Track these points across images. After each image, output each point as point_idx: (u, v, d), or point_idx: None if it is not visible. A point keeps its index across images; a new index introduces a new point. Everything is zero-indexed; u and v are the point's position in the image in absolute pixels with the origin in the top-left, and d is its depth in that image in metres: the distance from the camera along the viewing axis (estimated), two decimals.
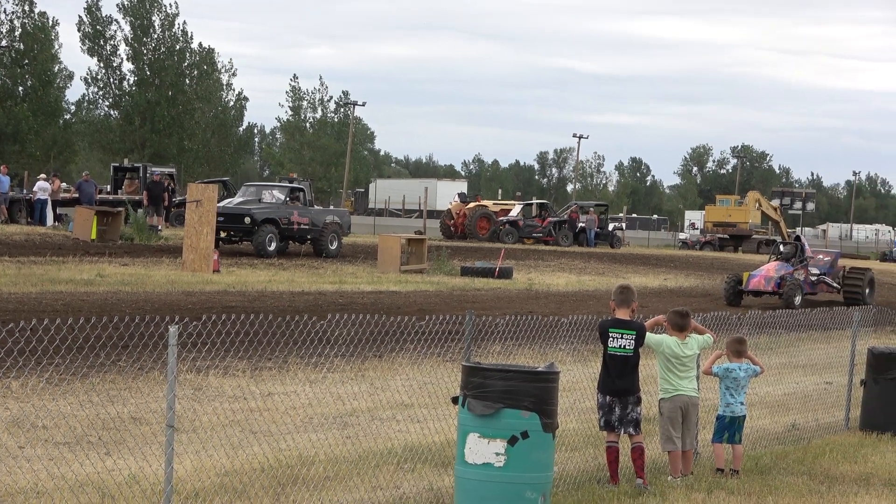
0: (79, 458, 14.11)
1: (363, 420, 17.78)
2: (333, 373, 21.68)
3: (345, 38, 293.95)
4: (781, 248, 48.01)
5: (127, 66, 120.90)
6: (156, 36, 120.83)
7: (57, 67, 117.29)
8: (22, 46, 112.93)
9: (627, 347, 14.80)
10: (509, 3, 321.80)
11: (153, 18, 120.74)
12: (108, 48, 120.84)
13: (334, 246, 55.18)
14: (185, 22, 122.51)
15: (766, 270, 45.02)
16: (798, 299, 43.23)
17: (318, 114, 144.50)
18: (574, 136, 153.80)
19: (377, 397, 19.31)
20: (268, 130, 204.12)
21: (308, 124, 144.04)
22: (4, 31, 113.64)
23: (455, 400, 13.16)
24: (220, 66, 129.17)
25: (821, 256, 47.44)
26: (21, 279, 36.07)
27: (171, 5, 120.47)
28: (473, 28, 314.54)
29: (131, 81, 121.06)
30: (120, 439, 15.34)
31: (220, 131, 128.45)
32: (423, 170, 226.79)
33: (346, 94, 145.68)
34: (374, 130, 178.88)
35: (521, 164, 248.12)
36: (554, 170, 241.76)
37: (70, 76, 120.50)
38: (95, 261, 44.71)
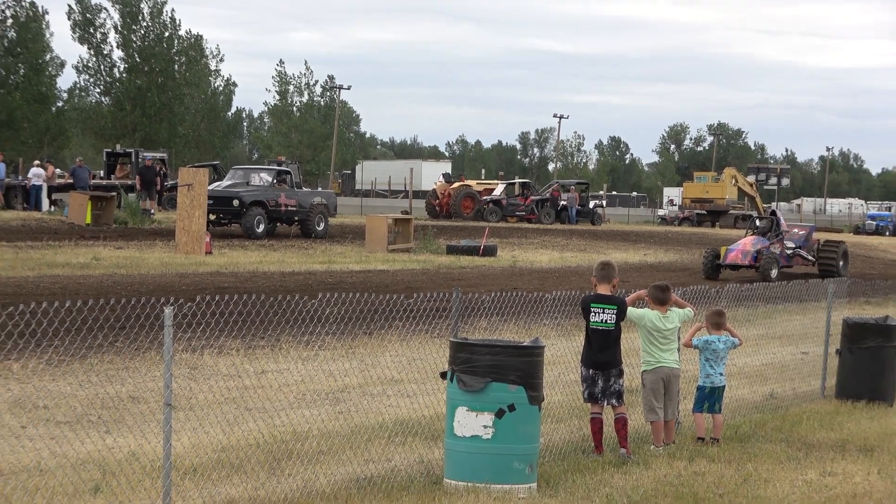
0: (79, 436, 14.17)
1: (354, 396, 17.84)
2: (325, 350, 21.74)
3: (328, 21, 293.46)
4: (758, 222, 48.07)
5: (117, 54, 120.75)
6: (144, 23, 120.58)
7: (48, 56, 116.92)
8: (14, 35, 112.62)
9: (609, 322, 14.89)
10: None
11: (142, 6, 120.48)
12: (99, 36, 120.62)
13: (321, 227, 55.30)
14: (172, 9, 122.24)
15: (743, 245, 44.86)
16: (774, 272, 43.24)
17: (305, 98, 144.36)
18: (554, 116, 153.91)
19: (368, 374, 19.37)
20: (256, 115, 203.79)
21: (295, 108, 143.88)
22: None
23: (443, 375, 13.25)
24: (207, 52, 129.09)
25: (796, 230, 47.36)
26: (19, 263, 36.08)
27: None
28: (454, 11, 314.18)
29: (122, 68, 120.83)
30: (119, 418, 15.39)
31: (209, 116, 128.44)
32: (408, 151, 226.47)
33: (331, 78, 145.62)
34: (359, 113, 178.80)
35: (504, 144, 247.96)
36: (535, 149, 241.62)
37: (62, 64, 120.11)
38: (90, 244, 44.72)
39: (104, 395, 16.73)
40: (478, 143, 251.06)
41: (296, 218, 55.05)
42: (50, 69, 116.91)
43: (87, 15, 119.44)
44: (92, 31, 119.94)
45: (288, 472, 13.15)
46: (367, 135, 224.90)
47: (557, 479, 13.40)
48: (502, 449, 12.80)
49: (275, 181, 55.06)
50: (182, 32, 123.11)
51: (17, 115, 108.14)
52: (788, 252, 45.41)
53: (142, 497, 11.78)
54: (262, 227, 52.68)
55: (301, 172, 75.86)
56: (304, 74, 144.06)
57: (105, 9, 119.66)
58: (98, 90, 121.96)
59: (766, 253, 43.95)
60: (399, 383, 18.50)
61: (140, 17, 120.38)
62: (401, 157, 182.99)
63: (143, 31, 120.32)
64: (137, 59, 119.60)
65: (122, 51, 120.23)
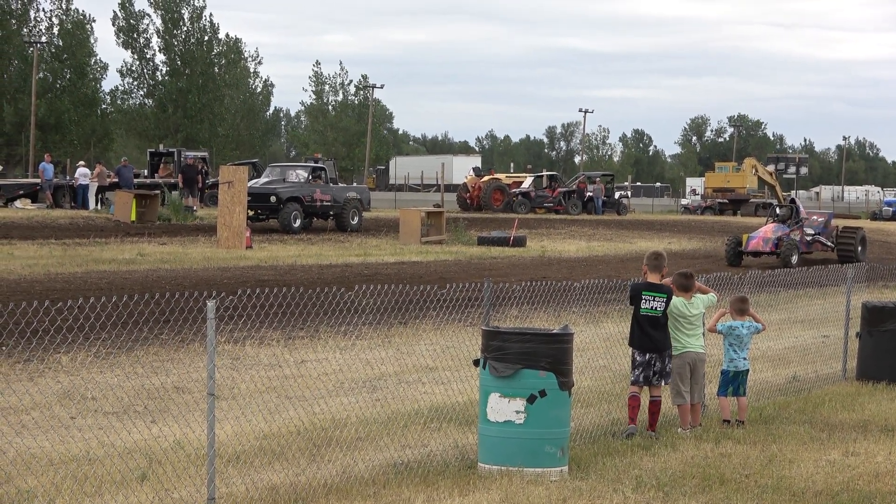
0: (126, 426, 14.17)
1: (391, 383, 17.81)
2: (362, 340, 21.72)
3: (361, 24, 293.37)
4: (778, 210, 47.70)
5: (159, 58, 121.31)
6: (185, 28, 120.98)
7: (93, 60, 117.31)
8: (60, 42, 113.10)
9: (658, 308, 15.01)
10: None
11: (182, 12, 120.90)
12: (142, 41, 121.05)
13: (355, 221, 55.41)
14: (211, 14, 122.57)
15: (764, 232, 44.60)
16: (795, 258, 42.96)
17: (340, 97, 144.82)
18: (580, 110, 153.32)
19: (403, 362, 19.34)
20: (293, 114, 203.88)
21: (330, 107, 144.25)
22: (44, 28, 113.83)
23: (476, 362, 13.19)
24: (246, 54, 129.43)
25: (815, 217, 46.87)
26: (67, 260, 36.20)
27: None
28: (482, 11, 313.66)
29: (164, 71, 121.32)
30: (164, 408, 15.39)
31: (248, 116, 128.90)
32: (440, 147, 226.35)
33: (365, 77, 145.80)
34: (392, 111, 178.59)
35: (531, 138, 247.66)
36: (562, 143, 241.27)
37: (105, 68, 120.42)
38: (136, 241, 44.86)
39: (150, 385, 16.74)
40: (506, 137, 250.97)
41: (331, 213, 55.13)
42: (95, 73, 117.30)
43: (131, 21, 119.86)
44: (135, 36, 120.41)
45: (328, 458, 13.13)
46: (400, 131, 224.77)
47: (588, 463, 13.34)
48: (534, 433, 12.74)
49: (310, 177, 55.00)
50: (221, 36, 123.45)
51: (64, 118, 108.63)
52: (808, 238, 45.03)
53: (187, 484, 11.76)
54: (298, 222, 52.83)
55: (336, 169, 75.73)
56: (339, 74, 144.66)
57: (148, 15, 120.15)
58: (141, 93, 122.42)
59: (787, 240, 43.65)
60: (434, 371, 18.47)
61: (181, 23, 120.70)
62: (432, 153, 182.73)
63: (183, 36, 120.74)
64: (179, 63, 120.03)
65: (164, 54, 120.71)
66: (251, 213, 50.92)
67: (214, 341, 11.40)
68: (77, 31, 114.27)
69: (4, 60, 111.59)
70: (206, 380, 11.35)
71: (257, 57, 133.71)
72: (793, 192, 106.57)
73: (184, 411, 14.98)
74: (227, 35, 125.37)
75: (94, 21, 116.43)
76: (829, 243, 45.79)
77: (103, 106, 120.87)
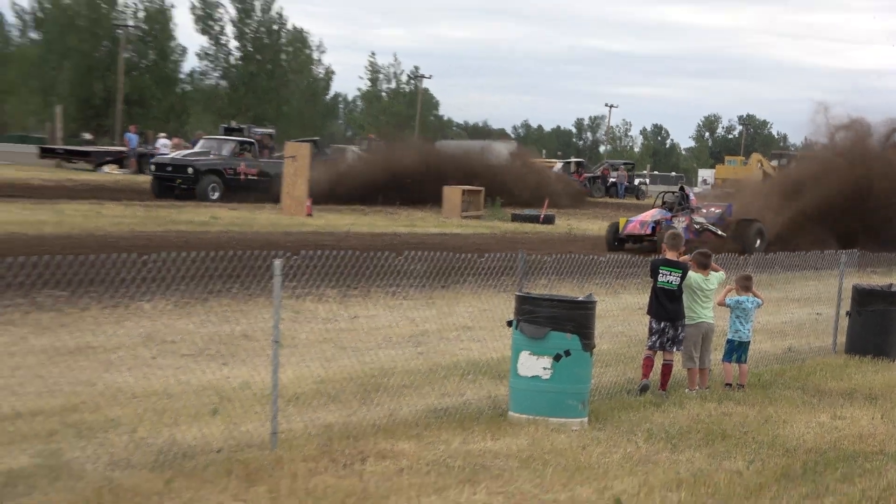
0: (200, 367, 14.32)
1: (433, 339, 17.91)
2: (408, 300, 21.80)
3: (414, 20, 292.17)
4: (665, 197, 41.53)
5: (233, 44, 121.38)
6: (257, 18, 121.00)
7: (174, 44, 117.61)
8: (145, 27, 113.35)
9: (674, 282, 15.14)
10: None
11: (254, 3, 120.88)
12: (217, 28, 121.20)
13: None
14: (281, 7, 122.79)
15: (644, 216, 39.58)
16: None
17: (393, 85, 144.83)
18: (606, 105, 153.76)
19: (444, 321, 19.42)
20: (350, 98, 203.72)
21: (384, 94, 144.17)
22: (130, 13, 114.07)
23: (509, 323, 13.31)
24: (311, 44, 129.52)
25: (712, 209, 41.35)
26: (149, 220, 36.38)
27: None
28: (521, 12, 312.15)
29: (237, 56, 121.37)
30: (233, 353, 15.51)
31: (310, 99, 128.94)
32: (480, 133, 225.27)
33: (416, 68, 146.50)
34: (438, 99, 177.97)
35: (561, 128, 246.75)
36: (588, 133, 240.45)
37: (184, 51, 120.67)
38: (209, 206, 45.04)
39: (221, 332, 16.87)
40: (539, 126, 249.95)
41: (259, 186, 50.94)
42: (174, 56, 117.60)
43: (208, 10, 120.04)
44: (211, 23, 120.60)
45: (376, 402, 13.25)
46: (445, 118, 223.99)
47: (605, 415, 13.45)
48: (559, 388, 12.86)
49: (237, 151, 51.19)
50: (289, 27, 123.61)
51: (147, 94, 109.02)
52: (696, 227, 39.05)
53: (253, 420, 11.90)
54: (217, 195, 48.48)
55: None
56: (393, 65, 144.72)
57: (223, 5, 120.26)
58: (216, 74, 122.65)
59: (665, 224, 37.40)
60: (471, 330, 18.54)
61: (252, 13, 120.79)
62: (473, 138, 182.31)
63: (255, 25, 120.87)
64: (250, 49, 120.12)
65: (238, 41, 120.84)
66: (178, 182, 48.78)
67: (280, 295, 11.53)
68: (159, 16, 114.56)
69: (96, 41, 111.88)
70: (272, 329, 11.47)
71: (320, 46, 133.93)
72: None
73: (251, 356, 15.13)
74: (294, 26, 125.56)
75: (173, 8, 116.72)
76: (720, 233, 39.70)
77: (182, 85, 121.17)
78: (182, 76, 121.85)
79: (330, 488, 9.91)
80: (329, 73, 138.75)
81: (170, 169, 47.99)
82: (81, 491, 9.39)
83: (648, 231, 38.21)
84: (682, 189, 40.91)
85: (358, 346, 16.64)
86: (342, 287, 21.93)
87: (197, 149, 51.90)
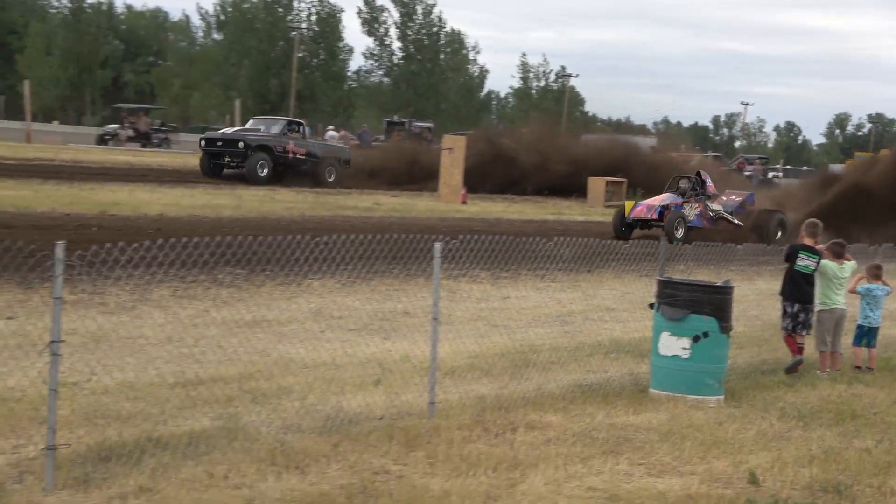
0: (364, 340, 14.42)
1: (578, 319, 17.80)
2: (555, 283, 21.72)
3: (561, 23, 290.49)
4: (680, 182, 36.30)
5: (396, 45, 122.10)
6: (418, 21, 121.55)
7: (342, 44, 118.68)
8: (317, 29, 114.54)
9: (811, 267, 14.94)
10: None
11: (416, 7, 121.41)
12: (382, 30, 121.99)
13: (332, 178, 47.68)
14: (441, 11, 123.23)
15: (652, 200, 35.16)
16: (680, 232, 33.32)
17: (542, 83, 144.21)
18: (741, 103, 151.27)
19: (589, 302, 19.34)
20: (503, 95, 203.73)
21: (534, 91, 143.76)
22: (304, 16, 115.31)
23: (651, 306, 13.18)
24: (468, 45, 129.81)
25: (733, 197, 37.21)
26: (318, 205, 36.78)
27: None
28: (661, 17, 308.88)
29: (399, 56, 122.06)
30: (395, 328, 15.59)
31: (466, 96, 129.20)
32: (622, 128, 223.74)
33: (563, 68, 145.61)
34: (584, 97, 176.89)
35: (699, 125, 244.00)
36: (724, 130, 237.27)
37: (351, 51, 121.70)
38: (372, 192, 45.36)
39: (383, 309, 16.98)
40: (678, 123, 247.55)
41: (304, 167, 47.82)
42: (343, 55, 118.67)
43: (374, 14, 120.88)
44: (377, 26, 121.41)
45: (525, 376, 13.20)
46: (590, 114, 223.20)
47: (741, 394, 13.24)
48: (697, 367, 12.70)
49: (286, 130, 47.74)
50: (447, 29, 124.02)
51: (317, 90, 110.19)
52: (711, 214, 35.29)
53: (412, 390, 11.93)
54: (265, 172, 45.03)
55: None
56: (542, 65, 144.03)
57: (387, 9, 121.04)
58: (380, 73, 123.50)
59: (674, 210, 33.98)
60: (614, 311, 18.45)
61: (415, 16, 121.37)
62: (617, 133, 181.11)
63: (416, 28, 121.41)
64: (412, 49, 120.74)
65: (400, 42, 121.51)
66: (225, 159, 45.93)
67: (439, 275, 11.54)
68: (329, 19, 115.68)
69: (272, 42, 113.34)
70: (431, 307, 11.49)
71: (476, 47, 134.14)
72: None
73: (411, 331, 15.20)
74: (452, 29, 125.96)
75: (342, 12, 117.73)
76: (737, 222, 35.97)
77: (349, 82, 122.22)
78: (349, 74, 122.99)
79: (483, 455, 9.90)
80: (483, 72, 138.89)
81: (220, 144, 45.12)
82: (256, 452, 9.49)
83: (655, 216, 34.05)
84: (698, 175, 36.46)
85: (509, 324, 16.62)
86: (494, 269, 21.94)
87: (248, 126, 48.91)
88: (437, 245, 11.56)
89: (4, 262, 15.58)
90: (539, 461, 9.87)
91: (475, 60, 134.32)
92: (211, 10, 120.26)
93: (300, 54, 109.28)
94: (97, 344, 12.79)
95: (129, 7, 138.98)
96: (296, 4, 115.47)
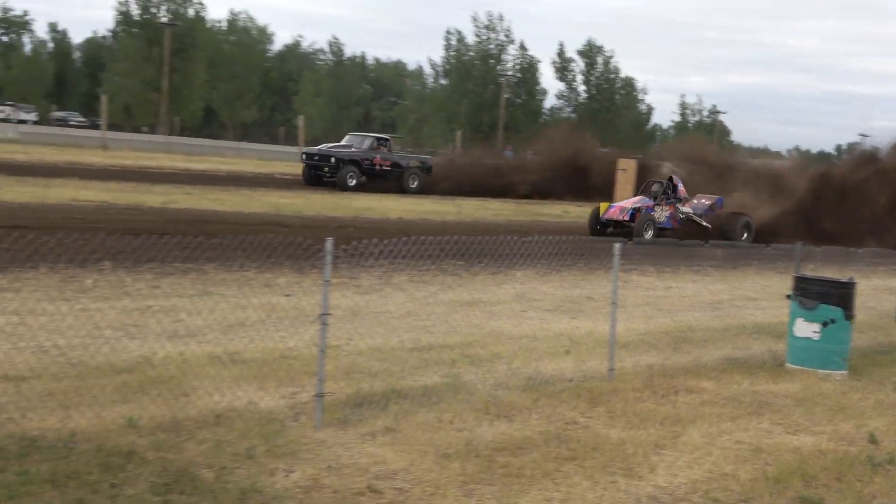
0: (556, 319, 14.33)
1: (726, 306, 17.38)
2: (707, 276, 21.29)
3: (712, 70, 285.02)
4: (653, 187, 31.41)
5: (581, 88, 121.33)
6: (598, 69, 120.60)
7: (539, 87, 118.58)
8: (520, 76, 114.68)
9: None
10: None
11: (597, 59, 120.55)
12: (570, 77, 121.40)
13: (415, 184, 44.40)
14: (617, 61, 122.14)
15: (625, 203, 30.85)
16: (649, 233, 29.25)
17: (697, 118, 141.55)
18: (859, 134, 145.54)
19: (735, 293, 18.86)
20: (664, 128, 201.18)
21: (690, 125, 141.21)
22: (510, 66, 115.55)
23: (788, 297, 12.76)
24: (637, 87, 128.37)
25: (704, 201, 31.87)
26: (519, 212, 36.76)
27: (608, 51, 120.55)
28: (795, 65, 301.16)
29: (584, 97, 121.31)
30: (580, 310, 15.46)
31: (636, 128, 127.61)
32: (760, 154, 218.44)
33: (714, 106, 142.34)
34: (732, 130, 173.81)
35: (823, 151, 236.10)
36: (845, 155, 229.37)
37: (545, 92, 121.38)
38: (563, 203, 45.14)
39: (571, 295, 16.84)
40: (807, 150, 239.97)
41: (390, 176, 44.02)
42: (539, 96, 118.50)
43: (564, 64, 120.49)
44: (566, 73, 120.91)
45: (684, 350, 12.96)
46: (735, 143, 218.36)
47: (861, 370, 12.71)
48: (825, 347, 12.26)
49: (375, 145, 44.21)
50: (622, 75, 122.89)
51: (519, 123, 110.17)
52: (681, 216, 30.62)
53: (595, 359, 11.81)
54: (353, 182, 42.19)
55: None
56: (697, 103, 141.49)
57: (575, 60, 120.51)
58: (569, 110, 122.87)
59: (645, 213, 29.65)
60: (756, 300, 17.95)
61: (596, 66, 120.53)
62: (755, 158, 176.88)
63: (597, 74, 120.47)
64: (594, 92, 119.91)
65: (585, 86, 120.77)
66: (325, 169, 42.25)
67: (617, 269, 11.42)
68: (530, 68, 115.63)
69: (485, 86, 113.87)
70: (611, 293, 11.37)
71: (644, 89, 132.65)
72: None
73: (593, 312, 15.05)
74: (626, 75, 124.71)
75: (540, 62, 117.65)
76: (704, 224, 31.04)
77: (544, 117, 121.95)
78: (544, 111, 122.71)
79: (651, 411, 9.73)
80: (650, 109, 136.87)
81: (317, 158, 42.70)
82: (474, 403, 9.50)
83: (627, 217, 29.68)
84: (670, 179, 31.61)
85: (670, 308, 16.33)
86: (657, 265, 21.63)
87: (342, 143, 45.99)
88: (617, 245, 11.49)
89: (288, 252, 16.02)
90: (696, 418, 9.65)
91: (643, 100, 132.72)
92: (439, 61, 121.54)
93: (506, 95, 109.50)
94: (353, 316, 12.99)
95: (377, 60, 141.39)
96: (504, 57, 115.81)
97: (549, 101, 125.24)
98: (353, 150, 43.02)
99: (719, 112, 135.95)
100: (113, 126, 73.35)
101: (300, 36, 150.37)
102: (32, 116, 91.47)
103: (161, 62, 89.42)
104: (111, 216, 22.69)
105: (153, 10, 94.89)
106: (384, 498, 7.02)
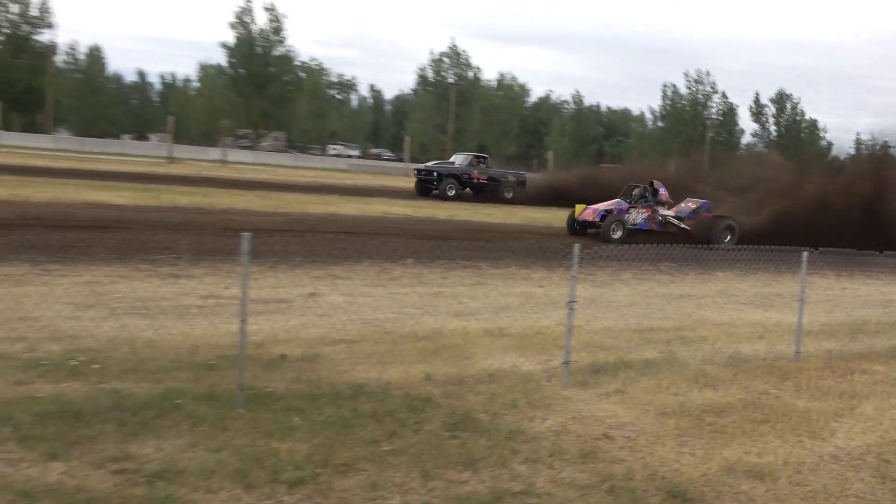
0: (751, 310, 13.59)
1: (895, 305, 16.10)
2: (878, 280, 19.73)
3: (876, 115, 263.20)
4: (633, 190, 25.17)
5: (772, 128, 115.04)
6: (787, 114, 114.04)
7: (737, 128, 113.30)
8: (722, 118, 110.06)
9: None
10: None
11: (786, 104, 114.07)
12: (763, 119, 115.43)
13: (509, 195, 39.77)
14: (803, 107, 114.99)
15: (599, 205, 24.53)
16: (618, 234, 23.50)
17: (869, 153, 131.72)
18: None
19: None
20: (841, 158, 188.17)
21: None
22: (714, 111, 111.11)
23: None
24: (819, 127, 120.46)
25: (690, 204, 25.25)
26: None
27: (796, 98, 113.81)
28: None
29: (774, 135, 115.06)
30: (771, 304, 14.56)
31: (816, 158, 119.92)
32: None
33: (885, 142, 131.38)
34: None
35: None
36: None
37: (742, 132, 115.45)
38: None
39: (763, 291, 15.86)
40: None
41: (487, 188, 40.14)
42: (736, 134, 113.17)
43: (759, 109, 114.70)
44: (760, 116, 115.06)
45: (858, 339, 12.05)
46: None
47: None
48: None
49: (473, 162, 40.57)
50: (806, 117, 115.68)
51: (720, 158, 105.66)
52: (659, 219, 24.38)
53: (783, 343, 11.20)
54: (453, 192, 38.13)
55: None
56: (870, 139, 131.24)
57: (768, 105, 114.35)
58: (762, 146, 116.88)
59: (616, 215, 23.85)
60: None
61: (784, 111, 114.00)
62: None
63: (786, 117, 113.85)
64: (783, 131, 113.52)
65: (775, 127, 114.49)
66: (432, 183, 38.90)
67: (805, 273, 10.78)
68: (730, 112, 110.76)
69: (695, 127, 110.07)
70: (799, 292, 10.75)
71: (824, 128, 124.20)
72: None
73: (781, 307, 14.22)
74: (809, 117, 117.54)
75: (738, 107, 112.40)
76: (683, 226, 24.51)
77: (741, 151, 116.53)
78: (741, 147, 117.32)
79: (831, 388, 9.16)
80: (829, 145, 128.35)
81: (424, 173, 39.69)
82: (685, 374, 9.25)
83: (597, 219, 24.00)
84: (651, 184, 25.45)
85: (846, 305, 15.27)
86: (836, 269, 20.28)
87: (451, 159, 42.33)
88: (805, 254, 10.82)
89: (536, 254, 16.10)
90: (870, 394, 9.01)
91: (824, 137, 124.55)
92: (657, 108, 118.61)
93: (711, 134, 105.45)
94: (591, 304, 12.91)
95: (609, 107, 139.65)
96: (709, 104, 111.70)
97: (745, 139, 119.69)
98: (454, 165, 40.39)
99: (890, 147, 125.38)
100: (413, 159, 75.90)
101: (550, 90, 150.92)
102: (356, 152, 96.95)
103: (448, 111, 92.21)
104: (412, 225, 23.50)
105: (443, 73, 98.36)
106: (616, 443, 6.97)
